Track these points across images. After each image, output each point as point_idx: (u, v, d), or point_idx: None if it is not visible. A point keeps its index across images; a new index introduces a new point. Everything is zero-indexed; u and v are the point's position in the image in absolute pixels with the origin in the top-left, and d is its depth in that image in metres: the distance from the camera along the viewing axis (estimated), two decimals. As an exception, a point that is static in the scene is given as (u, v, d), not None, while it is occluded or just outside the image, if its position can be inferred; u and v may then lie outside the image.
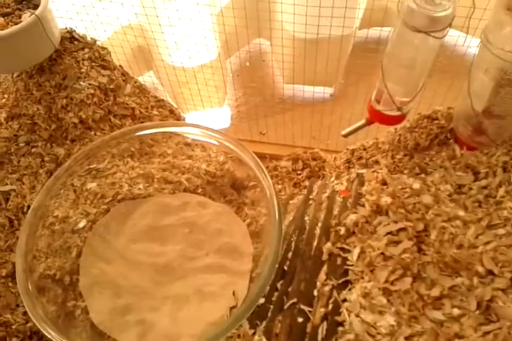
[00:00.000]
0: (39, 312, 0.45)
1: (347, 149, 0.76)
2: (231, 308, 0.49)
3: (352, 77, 1.02)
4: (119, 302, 0.50)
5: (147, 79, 1.01)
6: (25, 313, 0.54)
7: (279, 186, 0.74)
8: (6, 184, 0.61)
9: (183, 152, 0.70)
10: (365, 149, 0.73)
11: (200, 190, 0.65)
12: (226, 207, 0.61)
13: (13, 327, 0.52)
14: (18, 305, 0.55)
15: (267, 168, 0.79)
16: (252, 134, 0.94)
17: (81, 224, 0.56)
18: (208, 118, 1.02)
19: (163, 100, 0.76)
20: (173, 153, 0.69)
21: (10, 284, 0.56)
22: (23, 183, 0.62)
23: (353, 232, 0.48)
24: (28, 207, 0.60)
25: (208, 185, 0.68)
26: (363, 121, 0.66)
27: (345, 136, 0.68)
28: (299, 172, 0.75)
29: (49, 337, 0.43)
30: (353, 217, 0.48)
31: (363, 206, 0.49)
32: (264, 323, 0.44)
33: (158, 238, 0.56)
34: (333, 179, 0.59)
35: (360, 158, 0.72)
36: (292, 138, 0.93)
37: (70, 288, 0.53)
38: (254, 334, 0.43)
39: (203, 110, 1.00)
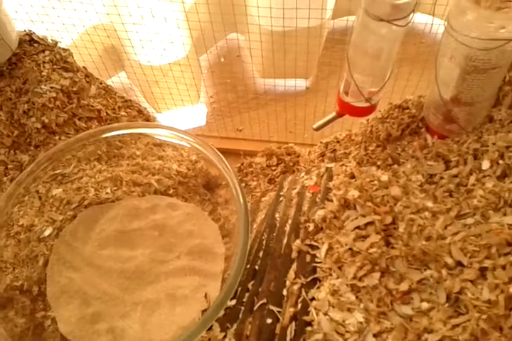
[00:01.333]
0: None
1: (321, 142, 0.75)
2: (203, 311, 0.48)
3: (325, 69, 1.01)
4: (88, 310, 0.49)
5: (123, 80, 0.99)
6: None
7: (254, 183, 0.73)
8: (-32, 193, 0.60)
9: (153, 153, 0.69)
10: (338, 142, 0.72)
11: (171, 191, 0.64)
12: (197, 207, 0.60)
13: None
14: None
15: (242, 164, 0.79)
16: (229, 131, 0.93)
17: (47, 232, 0.54)
18: (183, 116, 1.00)
19: (130, 100, 0.75)
20: (143, 155, 0.68)
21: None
22: (-14, 192, 0.60)
23: (322, 228, 0.47)
24: (-8, 216, 0.58)
25: (180, 186, 0.67)
26: (333, 114, 0.65)
27: (317, 129, 0.67)
28: (273, 168, 0.74)
29: None
30: (321, 212, 0.47)
31: (331, 201, 0.48)
32: (235, 325, 0.43)
33: (127, 243, 0.55)
34: (303, 174, 0.58)
35: (334, 150, 0.71)
36: (268, 133, 0.91)
37: (39, 298, 0.52)
38: (224, 337, 0.42)
39: (178, 108, 0.98)
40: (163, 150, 0.72)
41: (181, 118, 0.99)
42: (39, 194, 0.57)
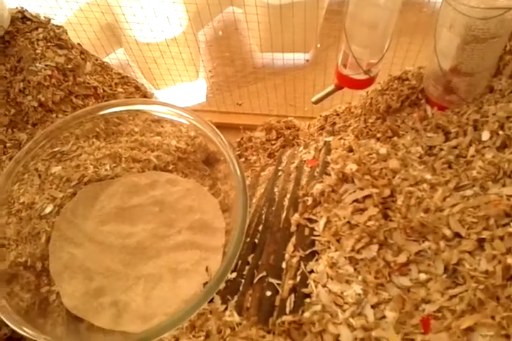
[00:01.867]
0: (3, 303, 0.44)
1: (320, 116, 0.74)
2: (204, 284, 0.49)
3: (324, 41, 0.99)
4: (92, 285, 0.50)
5: (120, 56, 0.97)
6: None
7: (254, 157, 0.73)
8: (-32, 173, 0.60)
9: (151, 129, 0.69)
10: (338, 115, 0.71)
11: (171, 167, 0.64)
12: (196, 183, 0.60)
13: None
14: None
15: (241, 139, 0.78)
16: (228, 105, 0.92)
17: (48, 210, 0.55)
18: (183, 93, 0.99)
19: (127, 77, 0.74)
20: (141, 131, 0.68)
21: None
22: (-14, 171, 0.60)
23: (320, 202, 0.47)
24: (-7, 195, 0.58)
25: (179, 161, 0.66)
26: (332, 87, 0.64)
27: (316, 102, 0.66)
28: (273, 142, 0.74)
29: (15, 329, 0.43)
30: (319, 186, 0.47)
31: (329, 175, 0.48)
32: (235, 298, 0.44)
33: (128, 219, 0.55)
34: (301, 149, 0.58)
35: (334, 123, 0.71)
36: (268, 107, 0.91)
37: (43, 274, 0.52)
38: (225, 309, 0.43)
39: (177, 85, 0.97)
40: (162, 127, 0.71)
41: (181, 94, 0.98)
42: (38, 172, 0.57)
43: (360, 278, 0.39)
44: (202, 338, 0.41)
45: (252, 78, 0.94)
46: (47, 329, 0.46)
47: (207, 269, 0.51)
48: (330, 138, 0.54)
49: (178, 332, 0.42)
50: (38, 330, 0.43)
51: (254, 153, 0.73)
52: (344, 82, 0.62)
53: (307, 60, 1.01)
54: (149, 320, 0.47)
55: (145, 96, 0.76)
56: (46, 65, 0.63)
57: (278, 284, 0.42)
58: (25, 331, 0.43)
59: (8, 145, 0.62)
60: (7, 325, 0.51)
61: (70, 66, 0.65)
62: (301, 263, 0.42)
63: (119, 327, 0.47)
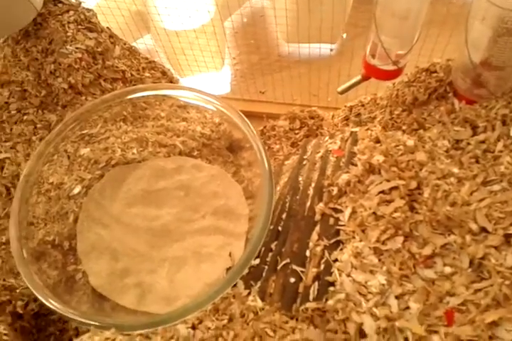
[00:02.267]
0: (35, 278, 0.46)
1: (345, 106, 0.74)
2: (227, 269, 0.50)
3: (351, 30, 0.98)
4: (117, 265, 0.51)
5: (148, 42, 0.98)
6: (27, 278, 0.55)
7: (277, 146, 0.73)
8: (0, 152, 0.61)
9: (177, 114, 0.69)
10: (363, 105, 0.71)
11: (195, 153, 0.65)
12: (221, 169, 0.61)
13: (18, 291, 0.54)
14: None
15: (264, 127, 0.79)
16: (251, 93, 0.92)
17: (76, 190, 0.56)
18: (208, 81, 1.00)
19: (154, 61, 0.74)
20: (167, 116, 0.68)
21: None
22: (17, 151, 0.62)
23: (345, 192, 0.47)
24: (24, 174, 0.60)
25: (204, 148, 0.67)
26: (358, 77, 0.63)
27: (341, 92, 0.66)
28: (296, 131, 0.74)
29: (45, 303, 0.44)
30: (345, 176, 0.48)
31: (356, 165, 0.48)
32: (258, 283, 0.45)
33: (154, 202, 0.56)
34: (327, 138, 0.58)
35: (359, 114, 0.70)
36: (292, 96, 0.90)
37: (70, 253, 0.54)
38: (248, 294, 0.44)
39: (202, 73, 0.97)
40: (187, 112, 0.72)
41: (205, 83, 0.99)
42: (67, 153, 0.58)
43: (384, 268, 0.40)
44: (225, 321, 0.42)
45: (277, 66, 0.94)
46: (72, 305, 0.47)
47: (230, 254, 0.51)
48: (356, 129, 0.54)
49: (202, 314, 0.43)
50: (66, 305, 0.45)
51: (277, 142, 0.74)
52: (371, 73, 0.61)
53: (331, 50, 1.00)
54: (173, 301, 0.48)
55: (171, 82, 0.76)
56: (76, 48, 0.64)
57: (302, 271, 0.43)
58: (54, 305, 0.44)
59: (38, 126, 0.63)
60: (35, 301, 0.54)
61: (99, 49, 0.66)
62: (326, 252, 0.43)
63: (143, 307, 0.48)
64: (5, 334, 0.49)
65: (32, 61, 0.64)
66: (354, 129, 0.54)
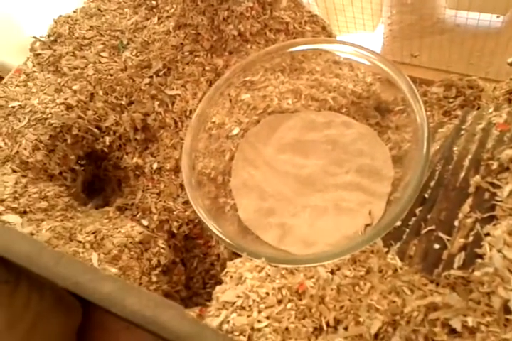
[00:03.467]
0: (199, 201, 0.52)
1: (510, 79, 0.69)
2: (366, 226, 0.52)
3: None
4: (264, 204, 0.56)
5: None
6: (184, 203, 0.63)
7: (428, 113, 0.71)
8: (173, 89, 0.68)
9: (331, 70, 0.70)
10: (532, 81, 0.65)
11: (344, 110, 0.66)
12: (370, 129, 0.62)
13: (175, 213, 0.62)
14: (178, 196, 0.64)
15: (415, 92, 0.76)
16: (403, 56, 0.89)
17: (235, 131, 0.61)
18: (359, 40, 0.98)
19: (316, 15, 0.75)
20: (322, 71, 0.69)
21: (173, 177, 0.65)
22: (187, 89, 0.68)
23: (507, 168, 0.45)
24: (191, 111, 0.66)
25: (352, 106, 0.68)
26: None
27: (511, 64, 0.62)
28: (451, 100, 0.71)
29: (205, 221, 0.50)
30: (509, 152, 0.46)
31: (525, 142, 0.46)
32: (398, 244, 0.46)
33: (302, 151, 0.59)
34: (491, 110, 0.55)
35: (526, 90, 0.65)
36: (447, 62, 0.86)
37: (222, 187, 0.60)
38: (387, 252, 0.46)
39: (357, 32, 0.96)
40: (340, 69, 0.72)
41: (356, 39, 0.97)
42: (230, 97, 0.63)
43: (540, 250, 0.39)
44: (362, 273, 0.44)
45: (437, 29, 0.89)
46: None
47: (370, 213, 0.53)
48: (530, 105, 0.51)
49: (340, 262, 0.46)
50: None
51: (428, 109, 0.71)
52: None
53: (502, 22, 0.91)
54: (311, 245, 0.52)
55: (330, 37, 0.77)
56: (249, -3, 0.67)
57: (448, 240, 0.43)
58: (214, 226, 0.50)
59: (206, 68, 0.69)
60: (187, 224, 0.61)
61: (269, 0, 0.68)
62: (477, 225, 0.43)
63: (282, 245, 0.53)
64: (162, 248, 0.57)
65: (208, 7, 0.68)
66: (526, 104, 0.51)
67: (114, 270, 0.49)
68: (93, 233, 0.53)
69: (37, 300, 0.38)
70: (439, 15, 0.93)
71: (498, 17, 0.90)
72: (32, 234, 0.48)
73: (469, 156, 0.51)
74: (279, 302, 0.41)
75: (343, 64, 0.73)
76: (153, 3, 0.77)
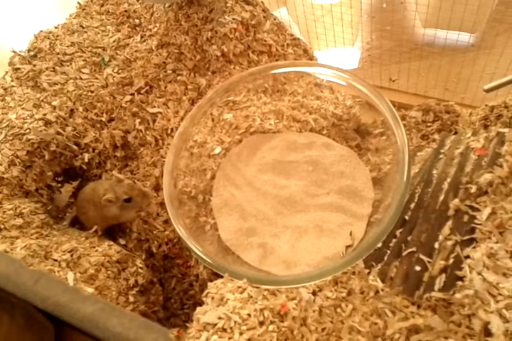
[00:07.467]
0: (179, 220, 0.51)
1: (486, 105, 0.71)
2: (347, 247, 0.52)
3: (501, 27, 0.93)
4: (245, 224, 0.55)
5: (283, 16, 1.00)
6: (164, 222, 0.62)
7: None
8: (154, 106, 0.68)
9: (312, 92, 0.71)
10: (506, 107, 0.68)
11: (325, 132, 0.67)
12: (351, 150, 0.63)
13: (154, 232, 0.60)
14: (158, 215, 0.63)
15: (393, 116, 0.78)
16: (382, 80, 0.92)
17: (216, 150, 0.61)
18: (337, 57, 1.00)
19: (298, 39, 0.76)
20: (303, 93, 0.71)
21: (154, 195, 0.64)
22: (168, 107, 0.68)
23: (486, 192, 0.46)
24: (172, 129, 0.66)
25: (332, 128, 0.69)
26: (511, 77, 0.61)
27: (488, 91, 0.64)
28: (428, 124, 0.72)
29: (185, 240, 0.49)
30: (488, 176, 0.47)
31: (501, 166, 0.47)
32: (379, 266, 0.46)
33: (284, 172, 0.59)
34: (468, 135, 0.56)
35: (500, 115, 0.67)
36: (424, 87, 0.88)
37: (203, 206, 0.59)
38: (368, 273, 0.46)
39: (333, 49, 0.98)
40: (321, 91, 0.74)
41: (335, 58, 0.99)
42: (212, 116, 0.63)
43: (519, 273, 0.39)
44: (344, 294, 0.44)
45: (414, 55, 0.92)
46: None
47: (351, 234, 0.53)
48: (505, 130, 0.52)
49: (322, 283, 0.45)
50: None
51: (407, 133, 0.73)
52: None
53: (472, 45, 0.95)
54: (293, 266, 0.51)
55: (311, 60, 0.78)
56: (233, 19, 0.68)
57: (428, 262, 0.44)
58: (194, 246, 0.49)
59: (189, 87, 0.69)
60: (167, 244, 0.60)
61: (253, 22, 0.69)
62: (457, 247, 0.43)
63: (264, 266, 0.52)
64: (140, 268, 0.56)
65: (192, 27, 0.69)
66: (502, 130, 0.53)
67: (90, 289, 0.47)
68: (69, 251, 0.51)
69: (7, 321, 0.37)
70: (417, 41, 0.96)
71: (471, 45, 0.94)
72: (6, 252, 0.47)
73: (448, 179, 0.52)
74: (261, 324, 0.41)
75: (324, 86, 0.74)
76: (137, 21, 0.78)
